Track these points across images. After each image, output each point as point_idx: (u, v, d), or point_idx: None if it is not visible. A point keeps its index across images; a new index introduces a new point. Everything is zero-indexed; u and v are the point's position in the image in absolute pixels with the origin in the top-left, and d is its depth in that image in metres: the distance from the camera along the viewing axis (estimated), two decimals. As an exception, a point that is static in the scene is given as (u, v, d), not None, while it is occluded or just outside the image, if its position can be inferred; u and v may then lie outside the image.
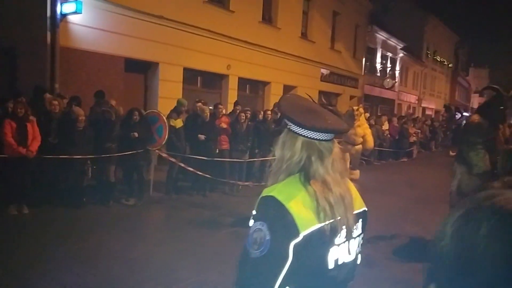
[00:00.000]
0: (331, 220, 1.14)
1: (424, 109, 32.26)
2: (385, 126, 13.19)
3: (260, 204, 1.16)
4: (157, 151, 6.70)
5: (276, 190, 1.15)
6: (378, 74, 22.73)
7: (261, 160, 7.93)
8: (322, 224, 1.12)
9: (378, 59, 22.77)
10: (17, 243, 4.40)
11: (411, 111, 28.16)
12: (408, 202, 7.51)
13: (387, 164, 13.00)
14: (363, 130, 7.32)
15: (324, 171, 1.18)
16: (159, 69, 10.04)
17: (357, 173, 7.34)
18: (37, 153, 5.53)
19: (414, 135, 14.83)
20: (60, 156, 5.70)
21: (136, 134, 6.26)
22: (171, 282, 3.62)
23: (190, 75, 11.10)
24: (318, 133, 1.18)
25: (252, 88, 13.96)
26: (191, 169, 7.09)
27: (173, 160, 6.90)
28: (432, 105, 33.96)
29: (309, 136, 1.18)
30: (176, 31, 10.09)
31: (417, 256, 4.52)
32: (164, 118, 6.71)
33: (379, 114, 17.05)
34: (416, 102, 30.01)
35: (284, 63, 14.13)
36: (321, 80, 16.82)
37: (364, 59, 20.39)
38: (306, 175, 1.18)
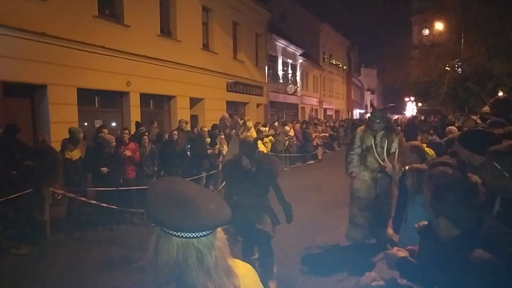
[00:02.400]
0: None
1: (325, 110, 34.72)
2: (291, 132, 13.84)
3: None
4: (51, 189, 6.02)
5: None
6: (281, 81, 23.82)
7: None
8: None
9: (280, 66, 23.87)
10: None
11: (313, 113, 30.08)
12: (318, 208, 7.84)
13: (295, 168, 13.61)
14: None
15: (205, 278, 1.02)
16: (47, 92, 9.07)
17: None
18: None
19: (317, 138, 15.85)
20: None
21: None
22: None
23: (86, 96, 10.26)
24: (191, 233, 1.02)
25: (156, 103, 13.48)
26: (93, 201, 6.55)
27: (71, 195, 6.28)
28: (332, 105, 36.76)
29: (184, 236, 1.01)
30: (64, 49, 9.22)
31: (330, 269, 4.70)
32: (56, 152, 6.06)
33: (283, 120, 17.85)
34: (318, 104, 32.16)
35: (188, 76, 13.94)
36: (227, 91, 16.99)
37: (266, 67, 21.18)
38: (184, 287, 1.01)
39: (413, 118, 22.04)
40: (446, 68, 21.14)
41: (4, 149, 5.91)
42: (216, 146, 9.58)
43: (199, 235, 1.02)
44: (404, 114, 45.83)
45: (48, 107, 9.07)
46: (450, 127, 7.60)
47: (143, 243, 4.14)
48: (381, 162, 5.05)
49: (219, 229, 1.09)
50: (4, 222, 5.69)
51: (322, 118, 28.03)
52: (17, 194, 5.51)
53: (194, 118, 14.68)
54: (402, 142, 5.17)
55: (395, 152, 5.03)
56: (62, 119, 9.02)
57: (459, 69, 21.51)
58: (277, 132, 13.06)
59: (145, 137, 7.25)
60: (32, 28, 8.43)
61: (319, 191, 9.55)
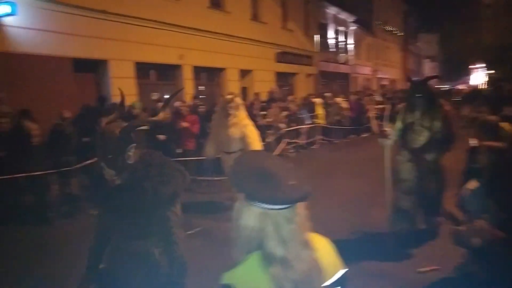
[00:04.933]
0: None
1: (379, 79, 33.26)
2: (344, 104, 13.51)
3: None
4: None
5: (236, 278, 1.09)
6: (332, 50, 23.05)
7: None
8: None
9: (331, 35, 23.05)
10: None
11: (367, 83, 28.97)
12: (373, 184, 7.21)
13: (349, 142, 13.23)
14: (239, 129, 5.50)
15: (283, 247, 1.08)
16: (109, 67, 9.62)
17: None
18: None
19: (371, 110, 15.28)
20: (16, 175, 5.45)
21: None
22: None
23: (143, 69, 10.74)
24: (269, 206, 1.08)
25: (208, 76, 13.76)
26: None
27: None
28: (387, 75, 35.08)
29: (262, 207, 1.08)
30: (122, 25, 9.65)
31: (383, 250, 4.37)
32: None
33: (326, 92, 17.02)
34: (371, 73, 30.87)
35: (238, 47, 13.98)
36: (276, 61, 16.83)
37: (317, 36, 20.56)
38: (265, 254, 1.09)
39: (498, 87, 18.66)
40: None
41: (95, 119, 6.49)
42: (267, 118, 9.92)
43: (276, 208, 1.08)
44: (468, 82, 42.51)
45: (109, 81, 9.64)
46: None
47: (201, 209, 4.36)
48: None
49: (299, 204, 1.13)
50: (83, 188, 6.28)
51: (376, 88, 26.94)
52: (88, 162, 6.04)
53: (243, 90, 14.83)
54: (450, 117, 4.62)
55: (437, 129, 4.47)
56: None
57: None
58: (328, 103, 12.84)
59: (201, 109, 7.48)
60: (93, 6, 8.89)
61: (374, 166, 9.11)
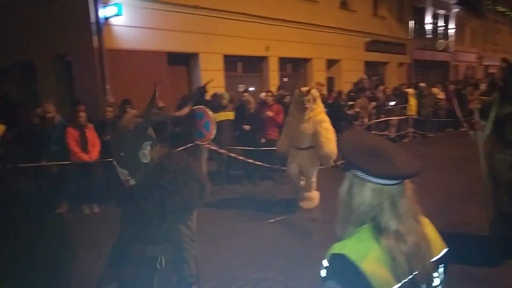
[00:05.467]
0: (410, 276, 1.07)
1: (486, 67, 29.61)
2: (441, 95, 12.30)
3: (331, 262, 1.09)
4: (206, 145, 6.83)
5: (348, 248, 1.08)
6: (430, 36, 21.14)
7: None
8: (400, 283, 1.06)
9: (428, 19, 21.13)
10: (92, 240, 4.69)
11: (470, 71, 26.06)
12: (472, 181, 6.55)
13: (445, 136, 12.06)
14: (313, 125, 5.13)
15: (397, 221, 1.09)
16: (199, 60, 10.13)
17: (314, 196, 5.65)
18: (98, 157, 5.92)
19: (474, 101, 13.71)
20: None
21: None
22: (230, 281, 3.67)
23: (230, 62, 11.09)
24: (387, 180, 1.09)
25: (293, 67, 13.67)
26: (241, 158, 7.18)
27: (223, 151, 6.99)
28: (496, 62, 31.02)
29: (378, 183, 1.09)
30: (212, 19, 10.06)
31: (484, 254, 3.97)
32: (210, 114, 6.77)
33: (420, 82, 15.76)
34: (476, 61, 27.61)
35: (325, 37, 13.62)
36: (365, 50, 16.03)
37: (411, 22, 19.03)
38: (378, 227, 1.10)
39: None
40: None
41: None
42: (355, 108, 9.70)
43: (391, 183, 1.10)
44: None
45: (200, 73, 10.16)
46: None
47: (284, 199, 4.34)
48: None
49: (407, 180, 1.15)
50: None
51: (482, 77, 24.10)
52: (182, 147, 6.44)
53: (330, 80, 14.44)
54: None
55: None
56: (211, 84, 9.98)
57: None
58: (423, 94, 11.84)
59: (286, 99, 7.48)
60: (186, 2, 9.42)
61: (472, 162, 8.21)
